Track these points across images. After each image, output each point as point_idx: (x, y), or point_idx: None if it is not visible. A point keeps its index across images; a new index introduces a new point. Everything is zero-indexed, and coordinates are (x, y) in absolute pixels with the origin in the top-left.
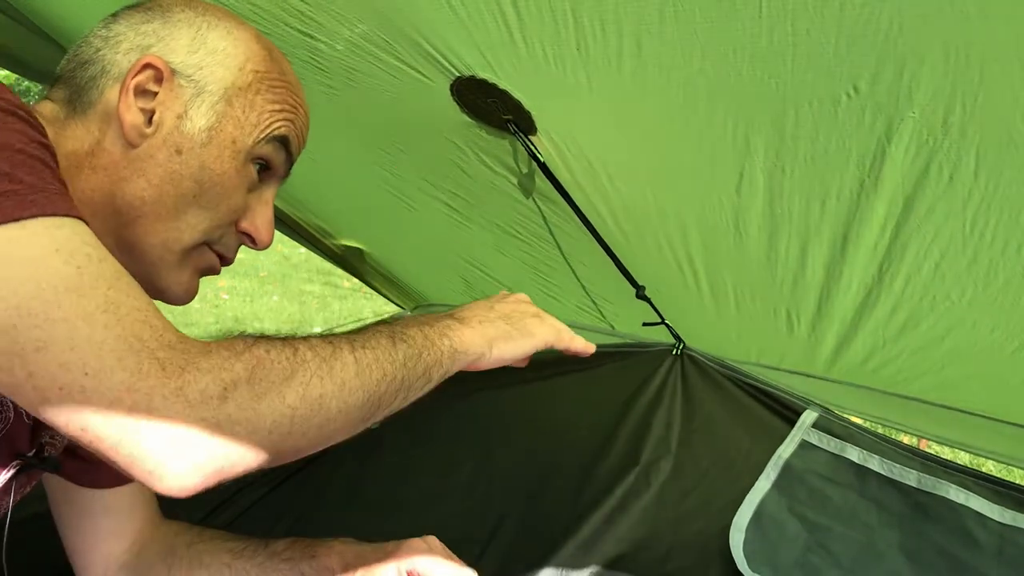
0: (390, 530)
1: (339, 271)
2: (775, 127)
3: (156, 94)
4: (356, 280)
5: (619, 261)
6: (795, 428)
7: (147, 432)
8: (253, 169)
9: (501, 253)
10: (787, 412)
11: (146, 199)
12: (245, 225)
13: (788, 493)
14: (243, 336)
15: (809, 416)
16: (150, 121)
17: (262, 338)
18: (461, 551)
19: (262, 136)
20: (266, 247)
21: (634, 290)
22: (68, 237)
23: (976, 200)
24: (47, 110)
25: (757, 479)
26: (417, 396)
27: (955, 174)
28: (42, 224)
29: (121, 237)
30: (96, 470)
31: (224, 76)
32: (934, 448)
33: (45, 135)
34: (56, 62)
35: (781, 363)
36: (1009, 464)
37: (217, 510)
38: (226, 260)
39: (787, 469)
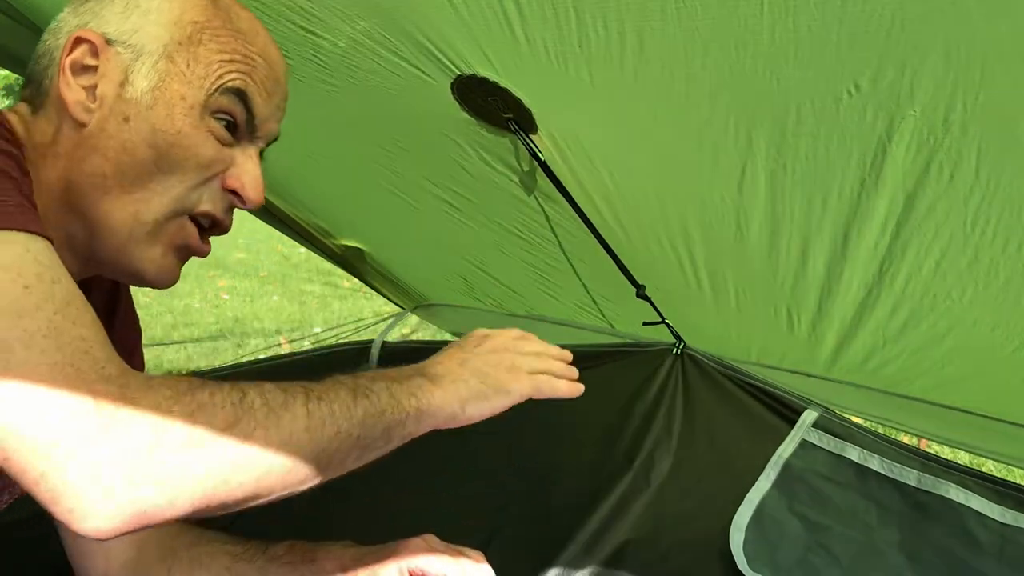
0: (390, 532)
1: (339, 271)
2: (777, 125)
3: (97, 68)
4: (356, 280)
5: (619, 260)
6: (795, 428)
7: (72, 469)
8: (217, 124)
9: (502, 252)
10: (787, 412)
11: (106, 174)
12: (230, 181)
13: (788, 493)
14: (191, 376)
15: (809, 416)
16: (94, 96)
17: (210, 381)
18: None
19: (213, 88)
20: (256, 205)
21: (634, 289)
22: (19, 254)
23: (977, 198)
24: (22, 110)
25: (757, 479)
26: (376, 456)
27: (956, 172)
28: None
29: (89, 220)
30: None
31: (160, 33)
32: (934, 448)
33: (11, 139)
34: None
35: (781, 362)
36: (1009, 464)
37: None
38: (219, 223)
39: (787, 469)
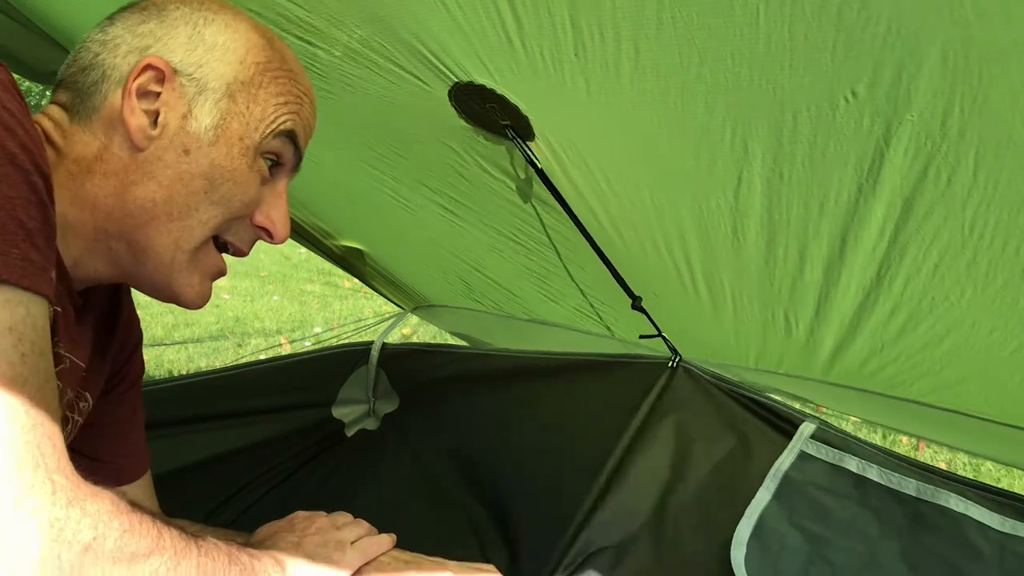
0: (388, 530)
1: (339, 271)
2: (773, 132)
3: (159, 95)
4: (356, 280)
5: (615, 270)
6: (793, 440)
7: (8, 551)
8: (264, 163)
9: (500, 256)
10: (784, 424)
11: (157, 201)
12: (260, 219)
13: (788, 505)
14: (122, 497)
15: (807, 428)
16: (155, 123)
17: (136, 508)
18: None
19: (268, 131)
20: (283, 241)
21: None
22: (23, 318)
23: (975, 201)
24: (55, 114)
25: (755, 492)
26: None
27: (954, 176)
28: (5, 293)
29: (133, 240)
30: (99, 468)
31: (225, 72)
32: (933, 449)
33: (44, 164)
34: (56, 62)
35: (779, 366)
36: (1008, 466)
37: (218, 509)
38: (240, 252)
39: (786, 481)
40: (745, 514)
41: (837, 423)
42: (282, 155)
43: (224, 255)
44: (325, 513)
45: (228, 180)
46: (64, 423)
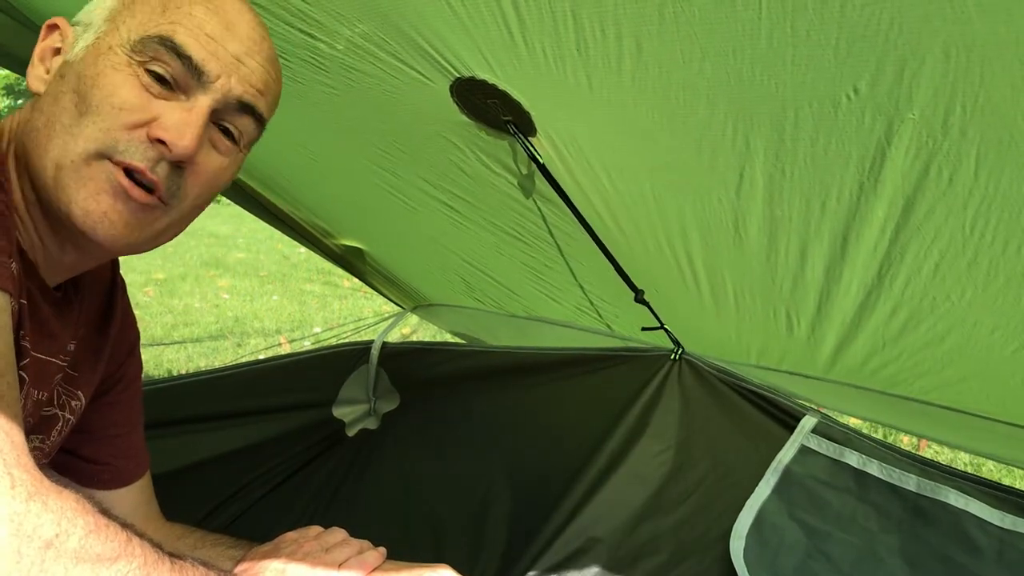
0: (388, 530)
1: (339, 271)
2: (775, 128)
3: (61, 49)
4: (356, 280)
5: (617, 264)
6: (795, 433)
7: None
8: (146, 74)
9: (500, 253)
10: (786, 417)
11: (39, 126)
12: (156, 130)
13: (788, 499)
14: (91, 498)
15: (808, 421)
16: (48, 70)
17: (104, 512)
18: (454, 556)
19: (139, 36)
20: (183, 151)
21: (633, 294)
22: None
23: (976, 200)
24: (26, 110)
25: (756, 485)
26: None
27: (955, 175)
28: None
29: (30, 174)
30: (97, 469)
31: (108, 5)
32: (934, 448)
33: None
34: None
35: (781, 364)
36: (1009, 465)
37: (218, 509)
38: (141, 173)
39: (787, 475)
40: (745, 507)
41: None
42: (166, 63)
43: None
44: (315, 533)
45: (93, 87)
46: (54, 421)
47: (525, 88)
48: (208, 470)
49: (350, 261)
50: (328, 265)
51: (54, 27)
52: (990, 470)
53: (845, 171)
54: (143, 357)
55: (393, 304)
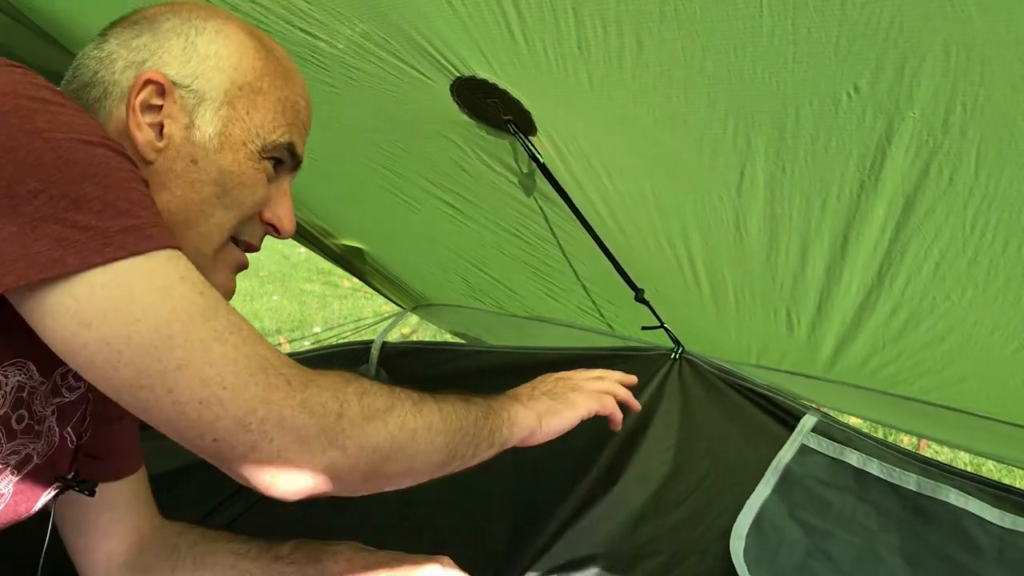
0: (388, 529)
1: (339, 270)
2: (776, 126)
3: (161, 107)
4: (356, 280)
5: (618, 263)
6: (795, 433)
7: (277, 439)
8: (268, 164)
9: (501, 253)
10: (786, 416)
11: (172, 210)
12: (268, 216)
13: (788, 498)
14: (342, 372)
15: (809, 420)
16: (160, 135)
17: (361, 374)
18: (454, 555)
19: (270, 140)
20: (289, 235)
21: (633, 293)
22: (187, 266)
23: (977, 199)
24: None
25: (756, 484)
26: (481, 459)
27: (955, 174)
28: (164, 255)
29: None
30: (96, 464)
31: (222, 80)
32: (934, 448)
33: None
34: (57, 62)
35: (781, 364)
36: (1010, 465)
37: (218, 509)
38: (252, 248)
39: (787, 474)
40: (745, 506)
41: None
42: (283, 157)
43: None
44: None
45: (238, 184)
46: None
47: (525, 87)
48: (208, 470)
49: (350, 261)
50: (328, 265)
51: (152, 83)
52: (990, 470)
53: (846, 170)
54: None
55: (393, 304)
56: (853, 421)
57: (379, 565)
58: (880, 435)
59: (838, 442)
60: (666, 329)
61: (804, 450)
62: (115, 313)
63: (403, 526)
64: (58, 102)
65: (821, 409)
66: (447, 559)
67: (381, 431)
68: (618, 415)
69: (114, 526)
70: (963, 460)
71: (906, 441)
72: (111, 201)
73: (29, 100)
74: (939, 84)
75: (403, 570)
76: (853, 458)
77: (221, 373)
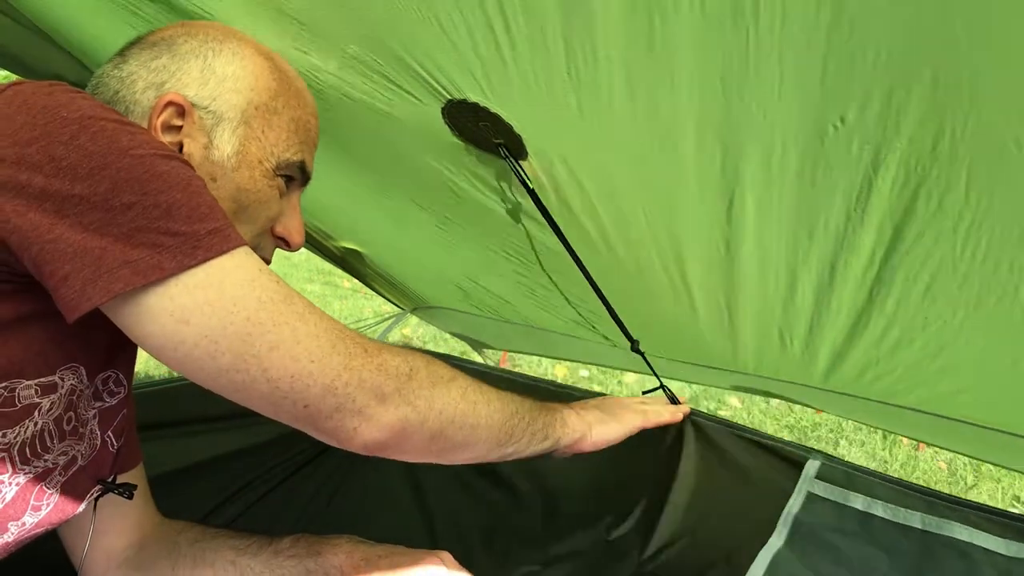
0: (389, 530)
1: (339, 271)
2: (763, 157)
3: (180, 128)
4: (356, 280)
5: (613, 311)
6: (800, 481)
7: (360, 398)
8: (281, 181)
9: (495, 271)
10: (790, 465)
11: None
12: (279, 230)
13: (799, 549)
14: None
15: (812, 466)
16: (180, 154)
17: (425, 350)
18: (453, 554)
19: (282, 160)
20: (299, 248)
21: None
22: (259, 260)
23: (967, 223)
24: None
25: (766, 538)
26: (535, 451)
27: (945, 199)
28: (243, 252)
29: None
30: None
31: (238, 101)
32: (934, 449)
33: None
34: (57, 62)
35: (777, 375)
36: (1008, 469)
37: (218, 508)
38: (265, 261)
39: (797, 524)
40: (757, 559)
41: (838, 423)
42: (294, 174)
43: None
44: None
45: (254, 201)
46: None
47: (516, 111)
48: (208, 470)
49: (350, 262)
50: (328, 266)
51: (173, 104)
52: (989, 470)
53: (832, 201)
54: (144, 357)
55: (393, 305)
56: (852, 425)
57: (379, 557)
58: (879, 436)
59: (841, 486)
60: (664, 388)
61: (811, 498)
62: (211, 308)
63: (405, 528)
64: (129, 122)
65: (820, 412)
66: (446, 553)
67: (446, 395)
68: (663, 422)
69: (113, 523)
70: (963, 461)
71: (905, 443)
72: (195, 207)
73: (108, 122)
74: (927, 111)
75: (403, 562)
76: (858, 502)
77: (308, 348)
